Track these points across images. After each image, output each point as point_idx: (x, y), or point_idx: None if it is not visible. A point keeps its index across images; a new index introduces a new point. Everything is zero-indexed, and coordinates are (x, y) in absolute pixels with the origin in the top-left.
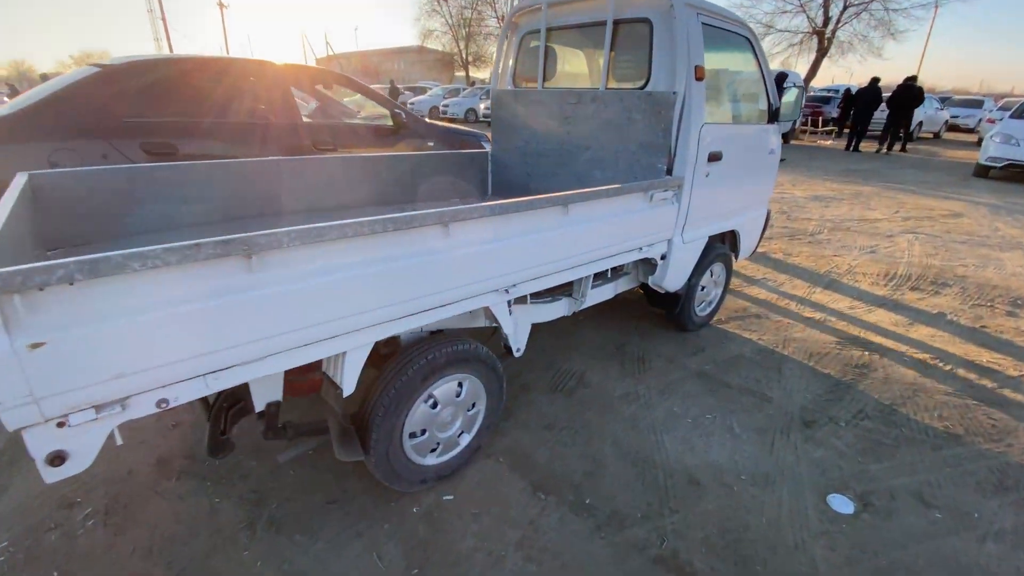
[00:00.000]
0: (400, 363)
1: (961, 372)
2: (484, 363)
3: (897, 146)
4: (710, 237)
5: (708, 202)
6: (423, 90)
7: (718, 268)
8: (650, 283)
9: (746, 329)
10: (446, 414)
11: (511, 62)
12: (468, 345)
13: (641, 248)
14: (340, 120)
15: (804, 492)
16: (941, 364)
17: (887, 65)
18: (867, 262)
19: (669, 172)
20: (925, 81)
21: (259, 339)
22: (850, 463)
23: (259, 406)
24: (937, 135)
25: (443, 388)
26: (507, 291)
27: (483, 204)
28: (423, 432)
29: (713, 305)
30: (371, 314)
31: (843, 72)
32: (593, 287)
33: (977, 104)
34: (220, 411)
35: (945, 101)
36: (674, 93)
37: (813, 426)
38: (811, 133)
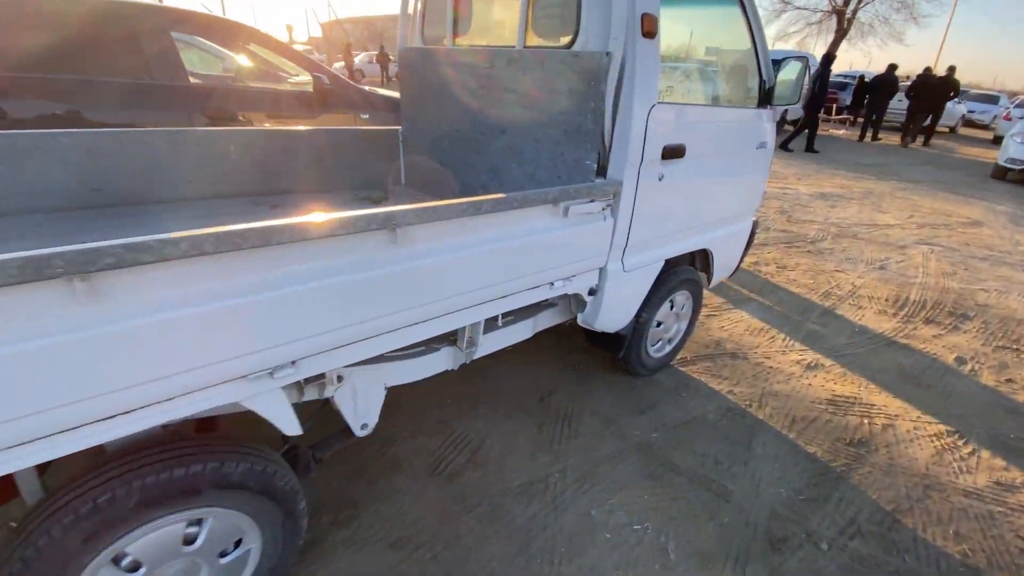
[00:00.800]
0: (36, 518)
1: (985, 456)
2: (243, 488)
3: (919, 139)
4: (669, 260)
5: (663, 215)
6: None
7: (682, 297)
8: (579, 322)
9: (715, 375)
10: (171, 572)
11: (419, 8)
12: (201, 467)
13: (553, 283)
14: (244, 84)
15: None
16: (960, 441)
17: (906, 53)
18: (875, 281)
19: (602, 172)
20: (941, 73)
21: None
22: None
23: None
24: (953, 129)
25: (151, 539)
26: (272, 374)
27: (181, 235)
28: None
29: (674, 343)
30: None
31: (860, 56)
32: (498, 328)
33: (993, 100)
34: None
35: (962, 95)
36: (607, 54)
37: (783, 548)
38: (824, 121)
